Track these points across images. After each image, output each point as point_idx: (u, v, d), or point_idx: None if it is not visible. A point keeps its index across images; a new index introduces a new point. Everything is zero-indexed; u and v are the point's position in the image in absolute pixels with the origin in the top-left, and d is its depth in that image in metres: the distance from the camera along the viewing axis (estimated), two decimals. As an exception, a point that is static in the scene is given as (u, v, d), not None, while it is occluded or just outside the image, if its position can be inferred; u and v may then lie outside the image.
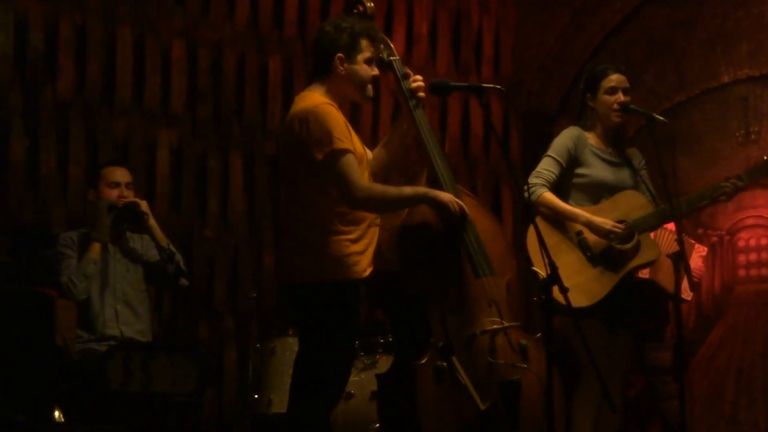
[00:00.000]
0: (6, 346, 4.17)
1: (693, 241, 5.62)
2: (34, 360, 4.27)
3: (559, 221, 4.87)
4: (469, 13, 7.51)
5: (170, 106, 6.65)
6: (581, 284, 4.69)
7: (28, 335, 4.33)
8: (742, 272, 6.46)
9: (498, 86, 4.46)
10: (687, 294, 5.16)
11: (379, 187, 4.14)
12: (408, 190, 4.20)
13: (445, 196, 4.20)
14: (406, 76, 4.36)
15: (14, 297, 4.41)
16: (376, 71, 4.19)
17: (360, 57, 4.12)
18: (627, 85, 4.99)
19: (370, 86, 4.18)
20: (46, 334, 4.38)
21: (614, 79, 4.97)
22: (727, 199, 4.91)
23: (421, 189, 4.22)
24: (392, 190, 4.16)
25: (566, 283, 3.86)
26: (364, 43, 4.13)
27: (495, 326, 4.28)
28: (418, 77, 4.37)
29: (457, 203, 4.21)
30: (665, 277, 5.09)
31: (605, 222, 4.80)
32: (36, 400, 4.26)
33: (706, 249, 5.73)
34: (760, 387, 6.27)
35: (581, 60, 7.20)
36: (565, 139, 4.99)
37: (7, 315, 4.30)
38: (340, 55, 4.11)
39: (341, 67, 4.12)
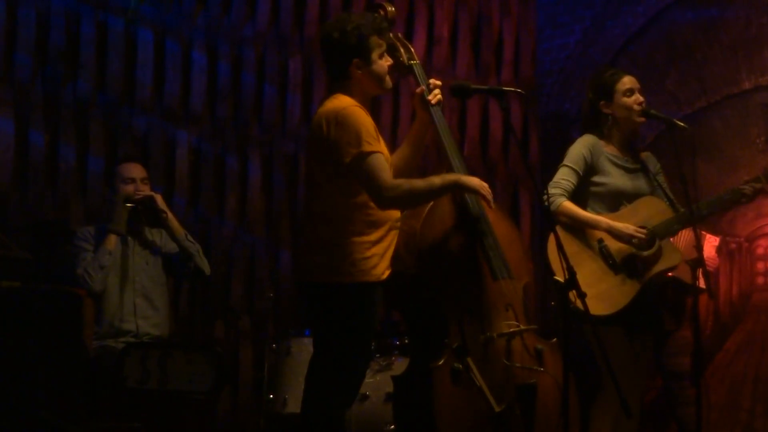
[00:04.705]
0: (34, 345, 4.17)
1: (704, 232, 5.58)
2: (62, 359, 4.26)
3: (579, 230, 4.84)
4: (490, 16, 7.48)
5: (190, 104, 6.66)
6: (603, 292, 4.67)
7: (55, 334, 4.33)
8: (760, 280, 6.42)
9: (518, 89, 4.43)
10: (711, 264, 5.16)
11: (406, 182, 4.11)
12: (436, 180, 4.16)
13: (475, 182, 4.17)
14: (426, 79, 4.37)
15: (42, 296, 4.41)
16: (389, 60, 4.20)
17: (374, 55, 4.13)
18: (639, 86, 4.98)
19: (388, 77, 4.20)
20: (74, 333, 4.38)
21: (628, 81, 4.96)
22: (747, 201, 4.90)
23: (450, 176, 4.20)
24: (420, 182, 4.13)
25: (588, 292, 3.86)
26: (373, 40, 4.13)
27: (512, 329, 4.27)
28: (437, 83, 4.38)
29: (487, 188, 4.17)
30: (682, 264, 5.04)
31: (627, 227, 4.78)
32: (63, 399, 4.25)
33: (717, 239, 5.68)
34: (776, 395, 6.25)
35: (602, 64, 7.17)
36: (580, 147, 4.95)
37: (36, 314, 4.30)
38: (356, 60, 4.12)
39: (359, 71, 4.13)
